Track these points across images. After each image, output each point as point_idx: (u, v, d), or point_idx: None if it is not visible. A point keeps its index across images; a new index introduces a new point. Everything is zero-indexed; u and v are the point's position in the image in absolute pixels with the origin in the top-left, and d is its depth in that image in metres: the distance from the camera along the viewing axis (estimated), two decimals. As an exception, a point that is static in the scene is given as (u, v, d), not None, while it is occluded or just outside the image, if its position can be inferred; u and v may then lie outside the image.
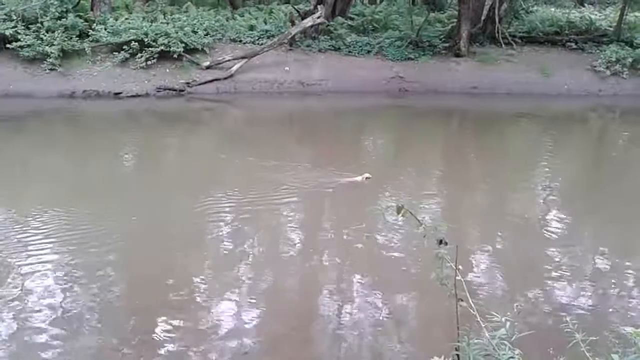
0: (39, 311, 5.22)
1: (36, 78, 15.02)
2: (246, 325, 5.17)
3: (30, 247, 6.43)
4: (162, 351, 4.73)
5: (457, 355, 2.46)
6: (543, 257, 6.64)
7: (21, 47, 14.97)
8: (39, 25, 15.39)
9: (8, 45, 15.07)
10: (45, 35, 15.17)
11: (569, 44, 18.59)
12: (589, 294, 5.83)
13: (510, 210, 8.46)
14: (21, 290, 5.54)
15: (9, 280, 5.69)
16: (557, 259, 6.62)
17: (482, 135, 13.46)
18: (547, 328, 5.09)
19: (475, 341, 2.41)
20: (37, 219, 7.17)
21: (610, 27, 19.26)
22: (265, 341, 4.98)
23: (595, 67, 17.41)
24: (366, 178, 8.52)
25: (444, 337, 3.89)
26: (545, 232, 7.52)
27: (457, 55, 17.82)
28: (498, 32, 18.26)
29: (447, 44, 18.13)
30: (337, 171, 9.06)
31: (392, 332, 5.13)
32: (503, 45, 18.27)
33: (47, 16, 15.50)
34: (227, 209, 7.76)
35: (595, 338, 2.63)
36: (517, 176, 10.06)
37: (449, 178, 9.93)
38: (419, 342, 5.03)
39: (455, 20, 18.63)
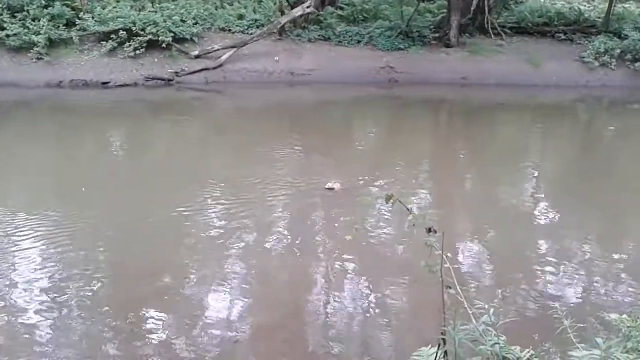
0: (27, 303, 5.21)
1: (23, 67, 14.85)
2: (236, 315, 5.20)
3: (15, 240, 6.39)
4: (152, 341, 4.75)
5: (443, 339, 2.48)
6: (531, 245, 6.73)
7: (7, 36, 14.78)
8: (24, 13, 15.20)
9: (-7, 34, 14.89)
10: (31, 24, 14.98)
11: (557, 35, 18.65)
12: (576, 281, 5.91)
13: (499, 199, 8.53)
14: (7, 283, 5.52)
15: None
16: (545, 247, 6.71)
17: (471, 126, 13.52)
18: (533, 315, 5.16)
19: (462, 327, 2.43)
20: (22, 212, 7.12)
21: (599, 18, 19.33)
22: (256, 330, 5.00)
23: (583, 58, 17.48)
24: (328, 188, 8.01)
25: (433, 324, 3.93)
26: (533, 220, 7.60)
27: (447, 46, 17.83)
28: (487, 23, 18.29)
29: (436, 35, 18.13)
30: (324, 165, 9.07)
31: (381, 320, 5.18)
32: (492, 36, 18.31)
33: (33, 4, 15.30)
34: (215, 200, 7.74)
35: (582, 325, 2.67)
36: (505, 166, 10.12)
37: (438, 167, 9.98)
38: (408, 330, 5.08)
39: (445, 10, 18.62)
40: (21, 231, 6.56)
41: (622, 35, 17.92)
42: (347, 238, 6.67)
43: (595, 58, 17.31)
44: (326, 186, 8.06)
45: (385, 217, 7.18)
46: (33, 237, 6.43)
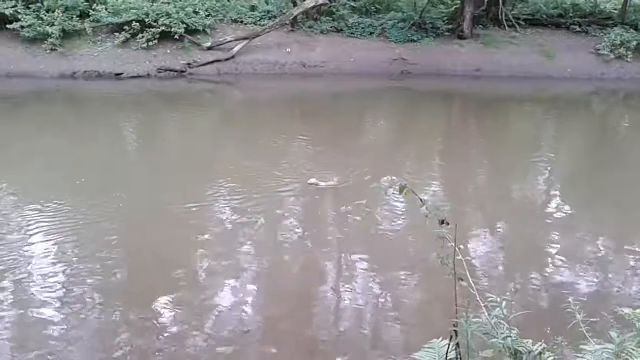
0: (42, 292, 5.26)
1: (37, 59, 14.96)
2: (247, 306, 5.21)
3: (29, 230, 6.45)
4: (164, 330, 4.78)
5: (455, 331, 2.48)
6: (544, 239, 6.68)
7: (22, 27, 14.87)
8: (39, 5, 15.29)
9: (8, 26, 14.95)
10: (45, 15, 15.07)
11: (573, 27, 18.44)
12: (589, 275, 5.86)
13: (512, 193, 8.47)
14: (23, 272, 5.57)
15: (11, 263, 5.72)
16: (558, 241, 6.65)
17: (484, 118, 13.43)
18: (546, 308, 5.13)
19: (474, 320, 2.43)
20: (35, 202, 7.15)
21: (616, 10, 19.08)
22: (266, 321, 5.02)
23: (599, 50, 17.28)
24: (309, 183, 7.83)
25: (444, 316, 3.93)
26: (546, 213, 7.54)
27: (461, 38, 17.71)
28: (502, 15, 18.12)
29: (450, 26, 18.00)
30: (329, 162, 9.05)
31: (392, 311, 5.17)
32: (507, 28, 18.15)
33: (47, -4, 15.40)
34: (225, 193, 7.74)
35: (595, 320, 2.65)
36: (519, 160, 10.05)
37: (451, 160, 9.92)
38: (419, 322, 5.07)
39: (459, 2, 18.47)
40: (32, 223, 6.59)
41: (639, 28, 17.67)
42: (357, 219, 6.78)
43: (611, 50, 17.10)
44: (309, 182, 7.84)
45: (397, 208, 7.17)
46: (42, 229, 6.44)
